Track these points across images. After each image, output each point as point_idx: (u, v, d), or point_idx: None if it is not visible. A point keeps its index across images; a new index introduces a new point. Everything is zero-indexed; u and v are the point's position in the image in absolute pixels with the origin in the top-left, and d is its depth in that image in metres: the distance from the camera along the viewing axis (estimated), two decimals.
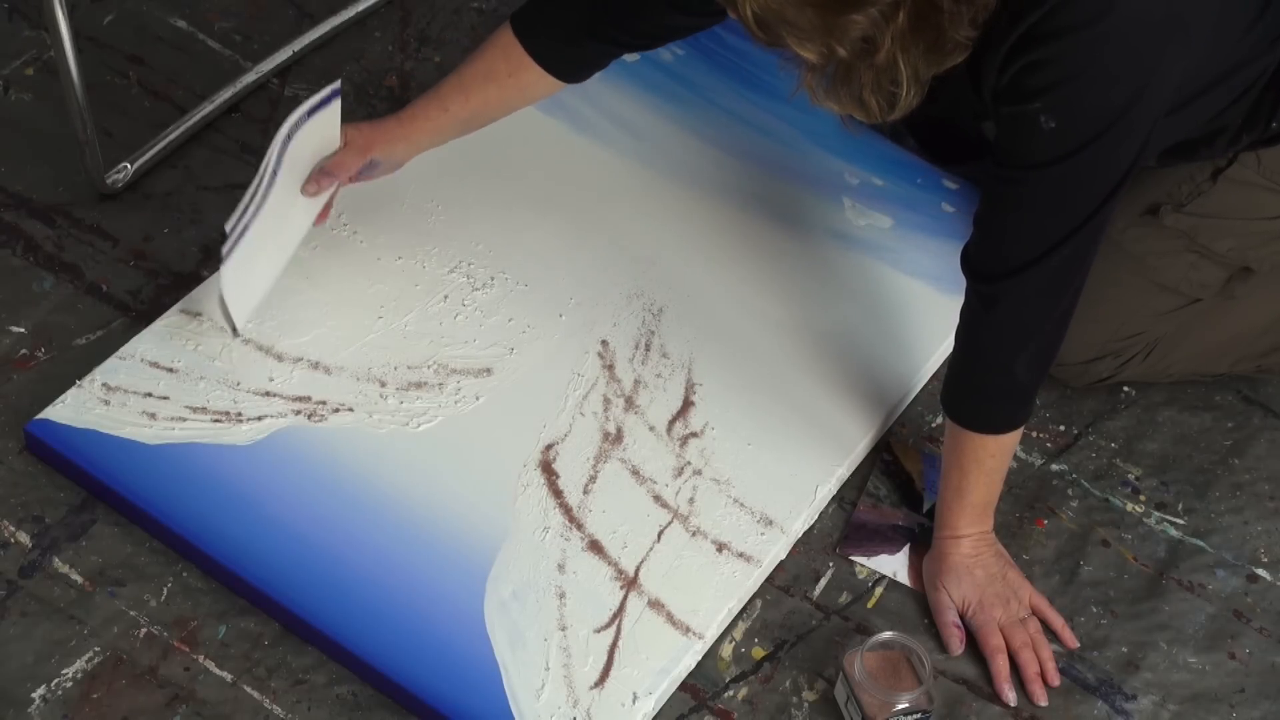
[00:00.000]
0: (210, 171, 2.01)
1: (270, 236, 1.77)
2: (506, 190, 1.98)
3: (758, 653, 1.68)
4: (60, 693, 1.59)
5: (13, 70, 2.10)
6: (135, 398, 1.75)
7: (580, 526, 1.71)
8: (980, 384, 1.67)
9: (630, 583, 1.68)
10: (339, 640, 1.61)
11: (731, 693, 1.65)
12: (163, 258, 1.93)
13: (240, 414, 1.75)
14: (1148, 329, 1.85)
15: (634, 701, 1.60)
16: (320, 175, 1.78)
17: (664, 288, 1.92)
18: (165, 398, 1.75)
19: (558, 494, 1.73)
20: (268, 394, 1.77)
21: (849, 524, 1.78)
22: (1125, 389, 1.92)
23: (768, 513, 1.74)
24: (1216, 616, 1.75)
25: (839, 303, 1.93)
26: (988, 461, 1.68)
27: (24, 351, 1.83)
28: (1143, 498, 1.84)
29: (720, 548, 1.72)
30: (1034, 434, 1.87)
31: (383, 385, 1.79)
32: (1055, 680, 1.67)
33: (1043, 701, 1.66)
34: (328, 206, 1.83)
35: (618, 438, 1.78)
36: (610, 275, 1.92)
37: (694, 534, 1.72)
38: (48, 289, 1.89)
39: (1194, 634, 1.73)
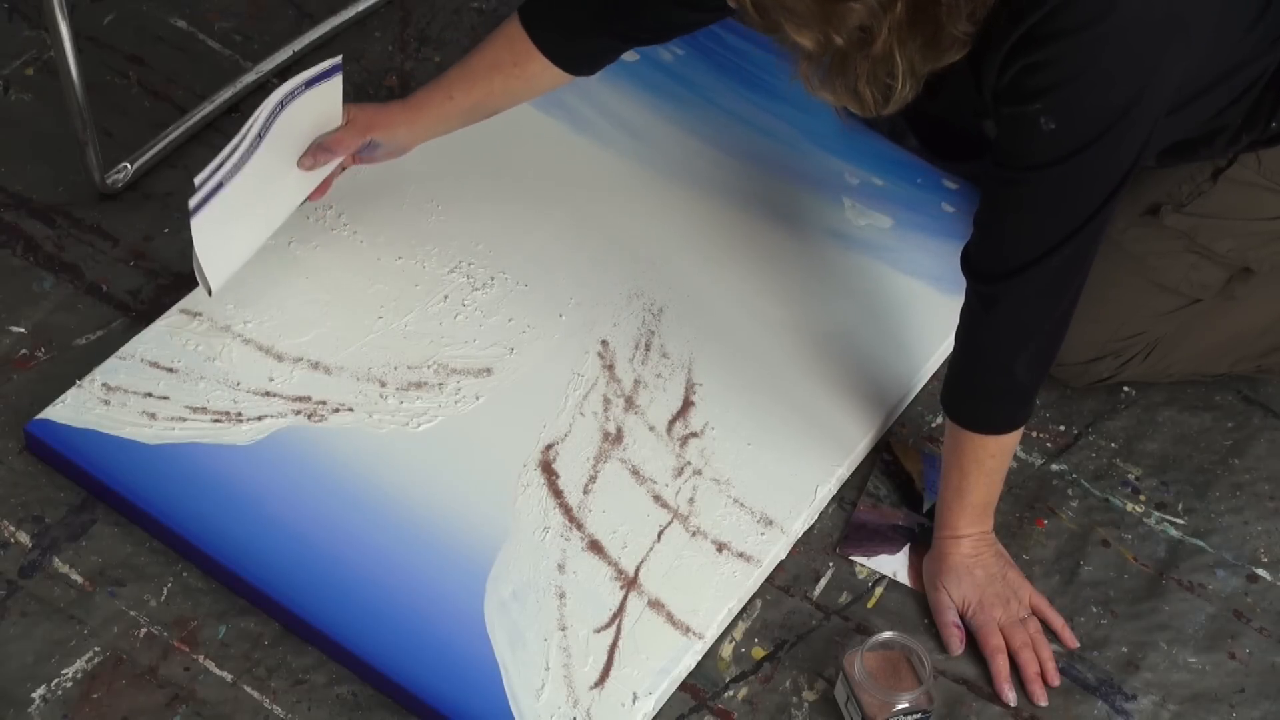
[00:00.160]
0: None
1: (254, 201, 1.76)
2: (506, 190, 1.98)
3: (758, 653, 1.68)
4: (60, 693, 1.59)
5: (13, 70, 2.10)
6: (135, 398, 1.75)
7: (580, 526, 1.71)
8: (980, 384, 1.67)
9: (630, 583, 1.68)
10: (339, 640, 1.61)
11: (731, 693, 1.65)
12: (163, 258, 1.93)
13: (240, 414, 1.75)
14: (1148, 329, 1.85)
15: (634, 701, 1.60)
16: (318, 150, 1.78)
17: (664, 288, 1.92)
18: (165, 398, 1.75)
19: (558, 494, 1.73)
20: (268, 394, 1.77)
21: (849, 524, 1.78)
22: (1125, 389, 1.92)
23: (768, 513, 1.74)
24: (1216, 616, 1.75)
25: (839, 303, 1.93)
26: (988, 462, 1.68)
27: (24, 351, 1.83)
28: (1143, 498, 1.84)
29: (720, 548, 1.72)
30: (1034, 434, 1.87)
31: (383, 385, 1.79)
32: (1055, 680, 1.67)
33: (1043, 701, 1.66)
34: (326, 183, 1.83)
35: (618, 438, 1.78)
36: (610, 275, 1.92)
37: (694, 534, 1.72)
38: (48, 289, 1.89)
39: (1194, 634, 1.73)
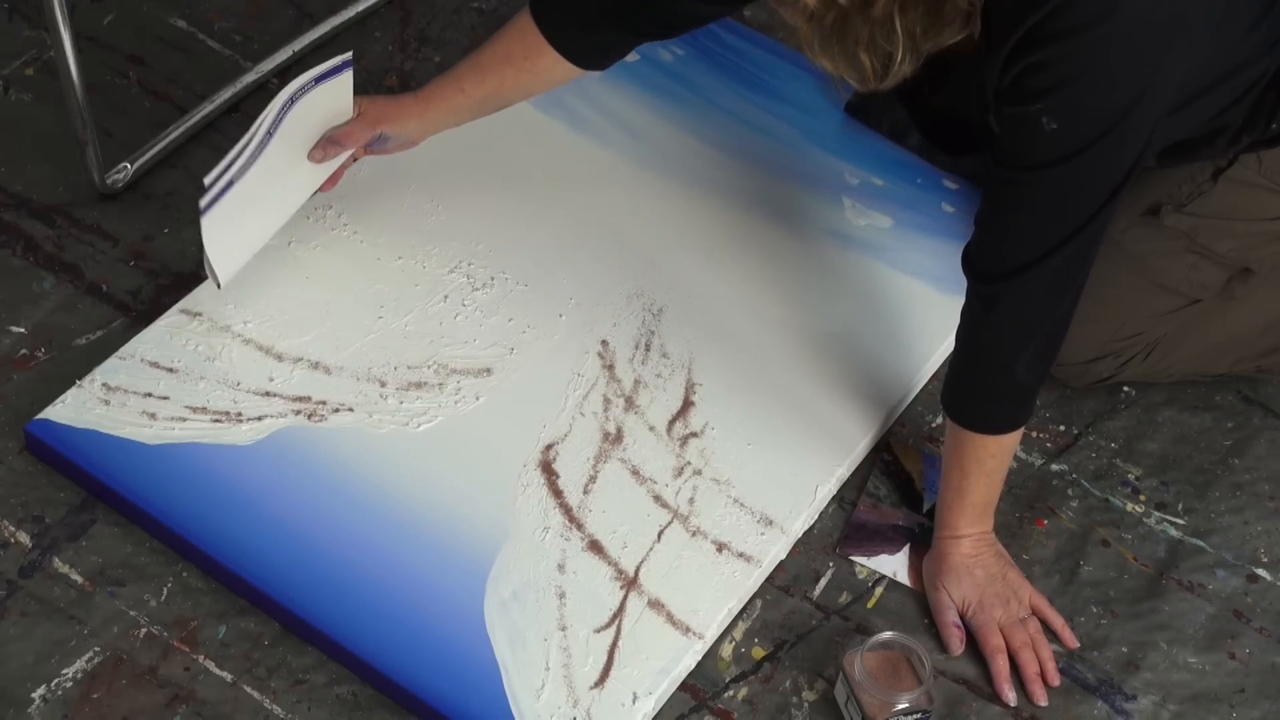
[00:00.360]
0: (210, 171, 2.01)
1: (264, 197, 1.76)
2: (506, 190, 1.98)
3: (758, 653, 1.68)
4: (60, 693, 1.59)
5: (13, 70, 2.10)
6: (135, 398, 1.75)
7: (580, 526, 1.71)
8: (981, 384, 1.66)
9: (630, 583, 1.68)
10: (339, 640, 1.61)
11: (731, 693, 1.65)
12: (163, 258, 1.93)
13: (240, 414, 1.75)
14: (1148, 329, 1.85)
15: (634, 701, 1.60)
16: (328, 143, 1.78)
17: (664, 288, 1.92)
18: (165, 398, 1.75)
19: (558, 494, 1.73)
20: (268, 394, 1.77)
21: (849, 524, 1.78)
22: (1125, 389, 1.92)
23: (768, 513, 1.74)
24: (1216, 616, 1.75)
25: (839, 303, 1.93)
26: (988, 462, 1.68)
27: (24, 351, 1.83)
28: (1143, 498, 1.84)
29: (720, 548, 1.72)
30: (1034, 434, 1.87)
31: (383, 385, 1.79)
32: (1055, 680, 1.67)
33: (1043, 701, 1.66)
34: (337, 174, 1.83)
35: (618, 438, 1.78)
36: (610, 275, 1.92)
37: (694, 534, 1.72)
38: (48, 289, 1.89)
39: (1194, 634, 1.73)
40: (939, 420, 1.86)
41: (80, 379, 1.76)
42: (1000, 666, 1.67)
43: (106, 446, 1.71)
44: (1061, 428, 1.88)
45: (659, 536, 1.72)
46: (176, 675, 1.61)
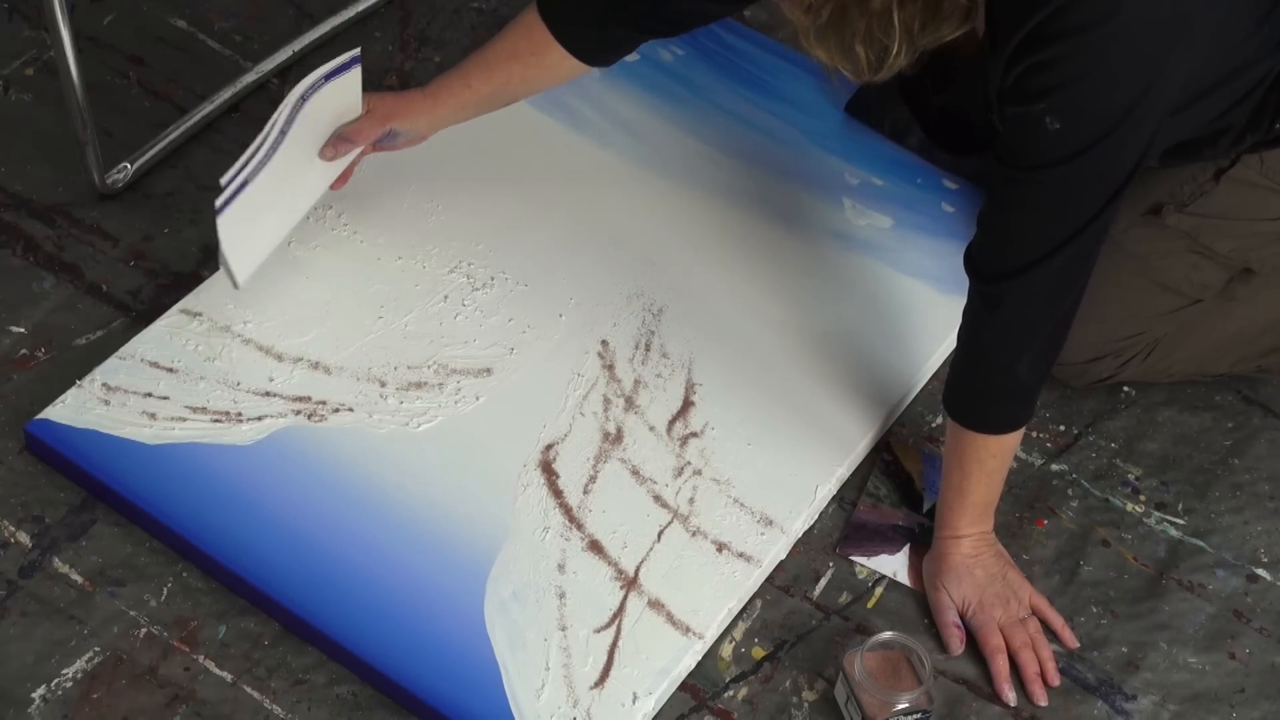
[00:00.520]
0: (210, 171, 2.01)
1: (278, 195, 1.77)
2: (506, 190, 1.98)
3: (758, 653, 1.68)
4: (60, 693, 1.59)
5: (13, 70, 2.10)
6: (135, 398, 1.75)
7: (580, 526, 1.71)
8: (983, 384, 1.66)
9: (630, 583, 1.68)
10: (339, 640, 1.61)
11: (731, 693, 1.65)
12: (163, 258, 1.93)
13: (240, 414, 1.75)
14: (1148, 329, 1.85)
15: (634, 701, 1.60)
16: (338, 141, 1.78)
17: (664, 288, 1.92)
18: (165, 398, 1.75)
19: (558, 494, 1.73)
20: (268, 394, 1.77)
21: (849, 524, 1.78)
22: (1125, 389, 1.92)
23: (768, 513, 1.74)
24: (1216, 616, 1.75)
25: (839, 303, 1.93)
26: (989, 461, 1.68)
27: (24, 351, 1.83)
28: (1143, 498, 1.84)
29: (720, 548, 1.72)
30: (1034, 434, 1.87)
31: (383, 385, 1.79)
32: (1055, 680, 1.67)
33: (1043, 701, 1.66)
34: (348, 172, 1.84)
35: (618, 438, 1.78)
36: (610, 275, 1.92)
37: (694, 534, 1.72)
38: (48, 289, 1.89)
39: (1194, 634, 1.73)
40: (939, 420, 1.86)
41: (80, 379, 1.76)
42: (1000, 666, 1.67)
43: (106, 446, 1.71)
44: (1061, 428, 1.88)
45: (659, 536, 1.72)
46: (176, 675, 1.61)
